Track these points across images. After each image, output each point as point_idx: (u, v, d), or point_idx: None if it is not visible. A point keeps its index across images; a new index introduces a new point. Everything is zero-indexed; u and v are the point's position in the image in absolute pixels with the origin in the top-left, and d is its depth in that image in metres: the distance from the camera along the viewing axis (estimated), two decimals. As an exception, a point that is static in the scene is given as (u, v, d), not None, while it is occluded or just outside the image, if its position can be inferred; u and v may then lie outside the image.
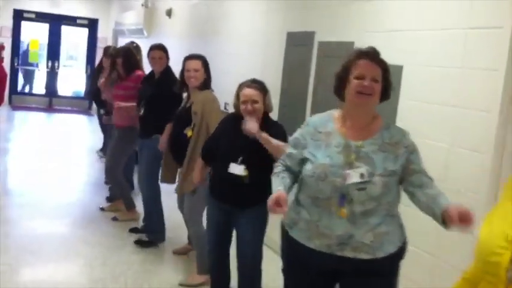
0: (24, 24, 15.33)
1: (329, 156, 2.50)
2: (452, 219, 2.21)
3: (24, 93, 15.84)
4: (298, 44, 5.21)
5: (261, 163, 3.38)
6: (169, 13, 9.88)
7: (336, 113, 2.64)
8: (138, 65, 5.92)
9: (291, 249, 2.67)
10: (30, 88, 16.33)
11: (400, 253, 2.55)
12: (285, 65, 5.41)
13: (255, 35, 6.23)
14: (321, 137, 2.57)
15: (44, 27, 15.60)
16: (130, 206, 5.99)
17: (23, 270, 4.49)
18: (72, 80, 16.91)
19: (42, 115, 14.27)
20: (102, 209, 6.20)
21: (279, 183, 2.57)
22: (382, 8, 4.07)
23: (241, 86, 3.59)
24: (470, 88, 3.21)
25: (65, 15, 15.32)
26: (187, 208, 4.37)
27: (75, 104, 15.69)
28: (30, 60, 15.99)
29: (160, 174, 4.80)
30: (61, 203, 6.42)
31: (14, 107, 14.55)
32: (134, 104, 5.36)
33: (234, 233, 3.74)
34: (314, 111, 4.83)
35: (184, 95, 4.72)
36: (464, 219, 2.20)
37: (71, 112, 14.99)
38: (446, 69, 3.39)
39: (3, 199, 6.36)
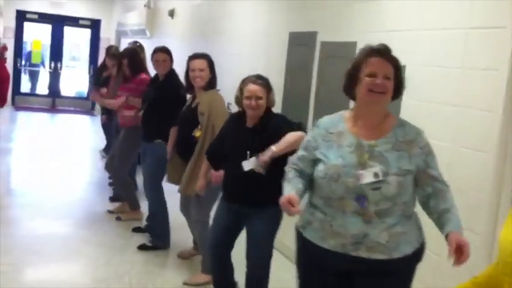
0: (26, 25, 15.37)
1: (341, 157, 2.45)
2: (449, 251, 2.26)
3: (27, 94, 15.87)
4: (300, 44, 5.22)
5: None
6: (171, 13, 9.89)
7: (346, 113, 2.60)
8: (143, 66, 5.90)
9: (305, 251, 2.62)
10: (35, 88, 16.38)
11: (417, 255, 2.49)
12: (287, 65, 5.42)
13: (257, 35, 6.24)
14: (332, 137, 2.53)
15: (46, 28, 15.64)
16: (135, 206, 5.99)
17: (26, 270, 4.51)
18: (75, 80, 16.96)
19: (45, 115, 14.30)
20: (110, 212, 6.12)
21: (290, 188, 2.52)
22: (384, 8, 4.08)
23: (245, 81, 3.57)
24: (471, 88, 3.21)
25: (67, 16, 15.36)
26: (194, 209, 4.32)
27: (78, 105, 15.72)
28: (33, 61, 16.04)
29: (167, 174, 4.74)
30: (64, 203, 6.43)
31: (17, 107, 14.58)
32: (135, 111, 5.40)
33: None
34: (316, 111, 4.84)
35: (188, 95, 4.70)
36: (460, 251, 2.25)
37: (74, 112, 15.02)
38: (447, 69, 3.40)
39: (6, 199, 6.38)
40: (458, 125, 3.30)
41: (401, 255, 2.42)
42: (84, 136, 11.95)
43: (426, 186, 2.45)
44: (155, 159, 5.02)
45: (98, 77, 8.13)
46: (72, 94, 16.63)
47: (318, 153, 2.53)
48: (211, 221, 4.01)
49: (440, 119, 3.43)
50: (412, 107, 3.65)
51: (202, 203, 4.24)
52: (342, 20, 4.58)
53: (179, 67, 5.16)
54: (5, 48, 9.08)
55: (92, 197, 6.88)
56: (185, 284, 4.42)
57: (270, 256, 3.63)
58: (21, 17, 14.94)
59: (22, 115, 13.81)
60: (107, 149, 8.54)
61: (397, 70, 2.49)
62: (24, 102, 15.17)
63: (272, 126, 3.49)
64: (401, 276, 2.50)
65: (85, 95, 15.87)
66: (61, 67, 15.75)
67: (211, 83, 4.37)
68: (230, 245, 3.73)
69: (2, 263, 4.45)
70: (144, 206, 5.59)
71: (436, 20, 3.54)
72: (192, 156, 4.22)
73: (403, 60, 3.68)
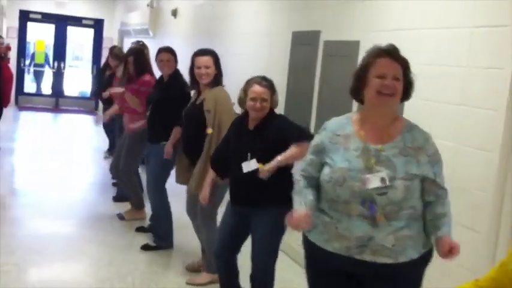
0: (30, 25, 15.39)
1: (347, 160, 2.42)
2: (442, 252, 2.34)
3: (31, 94, 15.91)
4: (303, 43, 5.21)
5: (271, 157, 3.37)
6: (174, 13, 9.90)
7: (354, 115, 2.56)
8: (148, 65, 5.84)
9: (311, 254, 2.60)
10: (40, 88, 16.41)
11: (424, 259, 2.46)
12: (290, 64, 5.41)
13: (260, 34, 6.23)
14: (339, 140, 2.49)
15: (49, 28, 15.66)
16: (140, 205, 5.98)
17: (29, 270, 4.50)
18: (78, 80, 16.98)
19: (48, 115, 14.32)
20: (121, 217, 5.97)
21: (299, 203, 2.50)
22: (387, 7, 4.06)
23: (250, 82, 3.54)
24: (475, 87, 3.20)
25: (70, 16, 15.38)
26: (201, 210, 4.22)
27: (81, 104, 15.73)
28: (37, 61, 16.07)
29: (175, 175, 4.61)
30: (67, 202, 6.43)
31: (20, 107, 14.61)
32: (142, 122, 5.40)
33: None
34: (319, 110, 4.83)
35: (192, 92, 4.62)
36: (451, 252, 2.32)
37: (77, 112, 15.03)
38: (452, 68, 3.39)
39: (9, 199, 6.39)
40: (461, 124, 3.29)
41: (408, 260, 2.39)
42: (88, 136, 11.95)
43: (430, 194, 2.43)
44: (160, 161, 4.98)
45: (101, 76, 8.12)
46: (75, 94, 16.67)
47: (326, 156, 2.50)
48: (218, 222, 3.99)
49: (444, 118, 3.42)
50: (415, 106, 3.64)
51: (210, 202, 4.19)
52: (345, 19, 4.57)
53: (182, 67, 5.14)
54: (8, 48, 9.11)
55: (95, 197, 6.88)
56: (188, 283, 4.41)
57: (274, 258, 3.58)
58: (25, 17, 14.96)
59: (25, 115, 13.83)
60: (110, 150, 8.55)
61: (406, 70, 2.45)
62: (27, 102, 15.19)
63: (274, 127, 3.47)
64: (408, 280, 2.47)
65: (88, 94, 15.89)
66: (64, 67, 15.77)
67: (216, 80, 4.27)
68: (236, 249, 3.70)
69: (4, 263, 4.45)
70: (148, 207, 5.58)
71: (440, 19, 3.52)
72: (200, 155, 4.13)
73: (407, 59, 3.70)
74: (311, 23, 5.08)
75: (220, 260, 3.74)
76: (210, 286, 4.32)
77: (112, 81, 7.27)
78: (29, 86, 16.37)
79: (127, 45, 10.75)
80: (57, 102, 15.57)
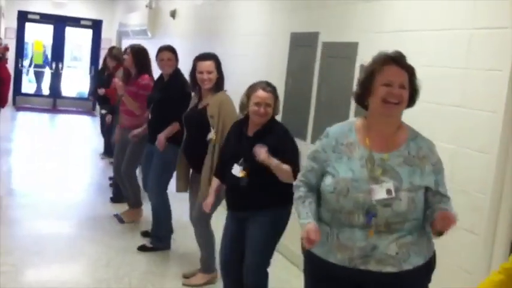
0: (28, 26, 15.37)
1: (351, 170, 2.36)
2: (436, 223, 2.24)
3: (28, 94, 15.88)
4: (302, 44, 5.21)
5: (262, 165, 3.33)
6: (173, 14, 9.89)
7: (357, 121, 2.50)
8: (148, 63, 5.75)
9: (312, 264, 2.54)
10: (40, 89, 16.39)
11: (429, 265, 2.43)
12: (289, 65, 5.41)
13: (258, 35, 6.23)
14: (343, 149, 2.42)
15: (48, 29, 15.64)
16: (137, 204, 5.94)
17: (27, 271, 4.50)
18: (76, 81, 16.96)
19: (46, 116, 14.30)
20: (121, 220, 5.98)
21: (305, 214, 2.43)
22: (386, 9, 4.06)
23: (254, 88, 3.51)
24: (475, 88, 3.20)
25: (69, 17, 15.36)
26: (197, 211, 4.19)
27: (79, 105, 15.71)
28: (35, 61, 16.05)
29: (175, 185, 4.56)
30: (64, 203, 6.42)
31: (18, 107, 14.59)
32: (143, 128, 5.36)
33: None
34: (318, 111, 4.82)
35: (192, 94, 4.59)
36: (447, 223, 2.21)
37: (75, 113, 15.02)
38: (451, 70, 3.38)
39: (7, 200, 6.37)
40: (461, 126, 3.28)
41: (412, 267, 2.35)
42: (85, 137, 11.93)
43: (433, 203, 2.37)
44: (162, 163, 4.97)
45: (100, 77, 8.10)
46: (73, 94, 16.65)
47: (327, 165, 2.43)
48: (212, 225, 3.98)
49: (443, 120, 3.41)
50: (415, 108, 3.63)
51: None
52: (344, 21, 4.57)
53: (181, 68, 5.14)
54: (6, 48, 9.09)
55: (93, 198, 6.87)
56: (184, 285, 4.41)
57: (266, 262, 3.56)
58: (23, 17, 14.93)
59: (23, 115, 13.81)
60: (106, 151, 8.52)
61: (412, 77, 2.41)
62: (25, 102, 15.17)
63: (275, 135, 3.45)
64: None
65: (86, 95, 15.86)
66: (62, 67, 15.75)
67: (218, 85, 4.25)
68: (241, 256, 3.60)
69: (3, 264, 4.44)
70: (147, 207, 5.56)
71: (440, 20, 3.52)
72: (199, 159, 4.11)
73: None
74: (310, 24, 5.07)
75: (227, 264, 3.71)
76: (206, 287, 4.33)
77: (110, 82, 7.24)
78: (27, 86, 16.35)
79: (125, 46, 10.74)
80: (55, 102, 15.55)
